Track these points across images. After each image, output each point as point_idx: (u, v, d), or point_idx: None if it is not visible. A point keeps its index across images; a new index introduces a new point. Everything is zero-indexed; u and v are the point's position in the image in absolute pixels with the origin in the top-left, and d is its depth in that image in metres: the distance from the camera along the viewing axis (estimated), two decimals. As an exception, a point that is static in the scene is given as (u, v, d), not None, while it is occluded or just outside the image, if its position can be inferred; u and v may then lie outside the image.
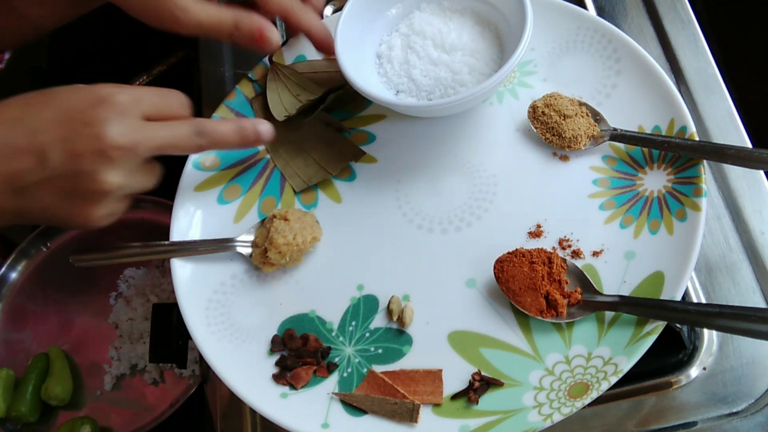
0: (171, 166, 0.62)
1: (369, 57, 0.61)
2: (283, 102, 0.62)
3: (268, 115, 0.63)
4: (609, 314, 0.49)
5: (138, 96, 0.48)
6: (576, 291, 0.49)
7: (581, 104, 0.56)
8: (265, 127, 0.54)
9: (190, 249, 0.56)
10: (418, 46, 0.58)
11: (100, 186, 0.46)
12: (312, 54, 0.64)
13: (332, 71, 0.63)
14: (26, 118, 0.45)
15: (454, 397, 0.48)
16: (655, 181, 0.53)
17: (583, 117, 0.55)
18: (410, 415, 0.48)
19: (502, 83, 0.56)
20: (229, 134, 0.52)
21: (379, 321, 0.53)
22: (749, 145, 0.58)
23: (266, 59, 0.65)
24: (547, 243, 0.53)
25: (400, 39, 0.60)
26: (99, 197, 0.47)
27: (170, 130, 0.49)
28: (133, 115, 0.47)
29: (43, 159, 0.44)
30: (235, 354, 0.52)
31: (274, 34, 0.55)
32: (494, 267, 0.51)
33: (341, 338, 0.53)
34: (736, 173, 0.58)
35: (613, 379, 0.45)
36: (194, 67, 0.72)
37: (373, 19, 0.61)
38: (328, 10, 0.73)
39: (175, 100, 0.51)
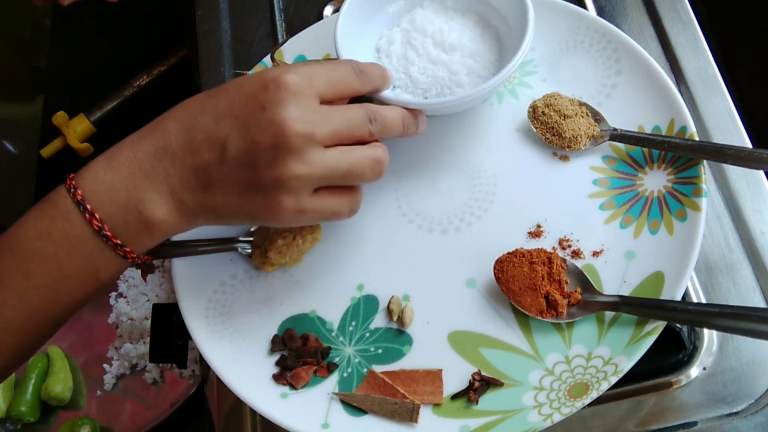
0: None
1: (368, 51, 0.61)
2: (283, 102, 0.62)
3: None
4: (609, 314, 0.49)
5: (309, 73, 0.44)
6: (576, 291, 0.49)
7: (581, 104, 0.56)
8: (423, 125, 0.53)
9: (190, 249, 0.56)
10: (417, 43, 0.58)
11: (279, 173, 0.42)
12: (312, 54, 0.64)
13: (332, 71, 0.63)
14: (207, 108, 0.44)
15: (454, 397, 0.48)
16: (655, 181, 0.53)
17: (583, 117, 0.55)
18: (410, 415, 0.48)
19: (502, 84, 0.56)
20: (397, 123, 0.49)
21: (379, 321, 0.53)
22: (749, 145, 0.58)
23: (266, 59, 0.65)
24: (547, 243, 0.53)
25: (400, 34, 0.60)
26: (280, 187, 0.43)
27: (344, 113, 0.45)
28: (308, 95, 0.43)
29: (224, 149, 0.42)
30: (235, 354, 0.52)
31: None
32: (494, 267, 0.51)
33: (341, 338, 0.53)
34: (736, 173, 0.58)
35: (613, 379, 0.45)
36: (194, 67, 0.72)
37: (373, 14, 0.61)
38: (328, 10, 0.73)
39: (344, 70, 0.47)
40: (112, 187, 0.43)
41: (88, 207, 0.42)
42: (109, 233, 0.42)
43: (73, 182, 0.43)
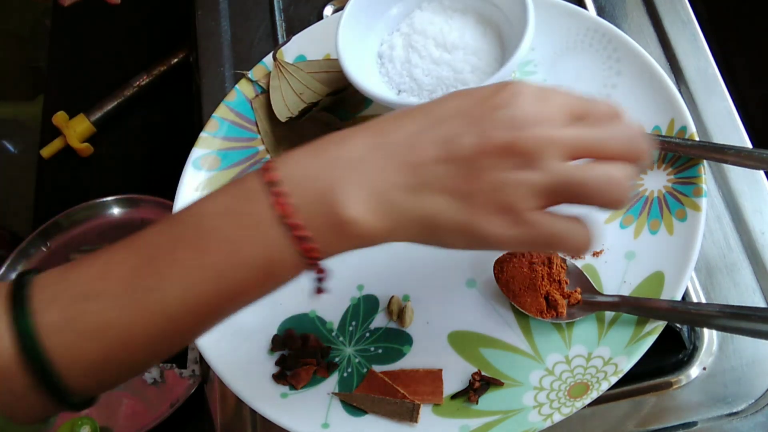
0: (171, 166, 0.62)
1: (370, 57, 0.61)
2: (286, 101, 0.62)
3: (268, 115, 0.63)
4: (609, 314, 0.49)
5: (543, 86, 0.38)
6: (576, 291, 0.49)
7: (581, 104, 0.56)
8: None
9: (190, 249, 0.56)
10: (419, 46, 0.58)
11: (503, 178, 0.35)
12: (312, 54, 0.64)
13: (333, 71, 0.63)
14: (433, 109, 0.38)
15: (454, 397, 0.48)
16: (655, 181, 0.53)
17: (583, 117, 0.55)
18: (410, 415, 0.48)
19: (502, 83, 0.56)
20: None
21: (379, 321, 0.53)
22: (749, 145, 0.58)
23: (266, 59, 0.65)
24: (547, 243, 0.53)
25: (401, 38, 0.60)
26: (501, 192, 0.35)
27: (602, 129, 0.37)
28: (554, 104, 0.37)
29: (452, 145, 0.36)
30: (235, 354, 0.52)
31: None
32: (494, 267, 0.51)
33: (341, 338, 0.53)
34: (736, 173, 0.58)
35: (613, 379, 0.45)
36: (194, 67, 0.72)
37: (374, 19, 0.61)
38: (328, 10, 0.73)
39: (603, 106, 0.39)
40: (310, 173, 0.37)
41: (277, 190, 0.36)
42: (290, 222, 0.36)
43: (271, 164, 0.37)
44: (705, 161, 0.51)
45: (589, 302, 0.49)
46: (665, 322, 0.46)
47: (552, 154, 0.35)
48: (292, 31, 0.68)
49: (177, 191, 0.59)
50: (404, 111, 0.39)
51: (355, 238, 0.37)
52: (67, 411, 0.39)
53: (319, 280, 0.40)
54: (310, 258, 0.37)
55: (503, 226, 0.36)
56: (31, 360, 0.35)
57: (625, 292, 0.49)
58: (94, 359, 0.37)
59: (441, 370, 0.50)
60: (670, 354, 0.52)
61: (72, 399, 0.37)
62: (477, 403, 0.47)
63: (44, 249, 0.81)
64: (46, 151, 0.84)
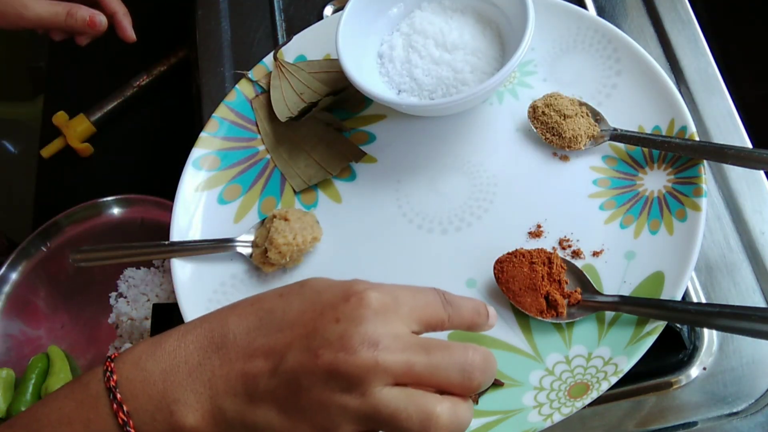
0: (171, 166, 0.62)
1: (370, 57, 0.61)
2: (286, 101, 0.62)
3: (268, 115, 0.63)
4: (609, 314, 0.49)
5: (395, 294, 0.38)
6: (576, 291, 0.49)
7: (581, 104, 0.56)
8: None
9: (190, 249, 0.56)
10: (419, 46, 0.58)
11: (326, 399, 0.35)
12: (312, 54, 0.64)
13: (333, 71, 0.63)
14: (276, 310, 0.38)
15: (454, 397, 0.48)
16: (655, 181, 0.53)
17: (583, 117, 0.55)
18: (410, 415, 0.48)
19: (503, 83, 0.56)
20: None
21: (379, 321, 0.53)
22: (749, 145, 0.58)
23: (266, 59, 0.65)
24: (547, 243, 0.53)
25: (401, 38, 0.60)
26: (323, 414, 0.35)
27: (439, 356, 0.36)
28: (392, 319, 0.36)
29: (281, 360, 0.36)
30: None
31: (102, 18, 0.71)
32: (494, 267, 0.51)
33: (341, 338, 0.53)
34: (736, 173, 0.58)
35: (613, 379, 0.45)
36: (194, 67, 0.72)
37: (374, 19, 0.61)
38: (329, 10, 0.73)
39: (432, 298, 0.39)
40: (150, 378, 0.38)
41: (118, 396, 0.37)
42: (132, 431, 0.37)
43: (112, 365, 0.39)
44: (705, 161, 0.51)
45: (589, 302, 0.49)
46: (665, 322, 0.46)
47: (374, 380, 0.35)
48: (292, 31, 0.68)
49: (177, 191, 0.59)
50: (255, 304, 0.39)
51: None
52: None
53: None
54: None
55: None
56: None
57: (625, 292, 0.49)
58: None
59: (441, 370, 0.49)
60: (670, 354, 0.52)
61: None
62: (477, 403, 0.47)
63: (44, 249, 0.80)
64: (46, 151, 0.84)
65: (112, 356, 0.39)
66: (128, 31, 0.74)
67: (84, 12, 0.70)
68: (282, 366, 0.36)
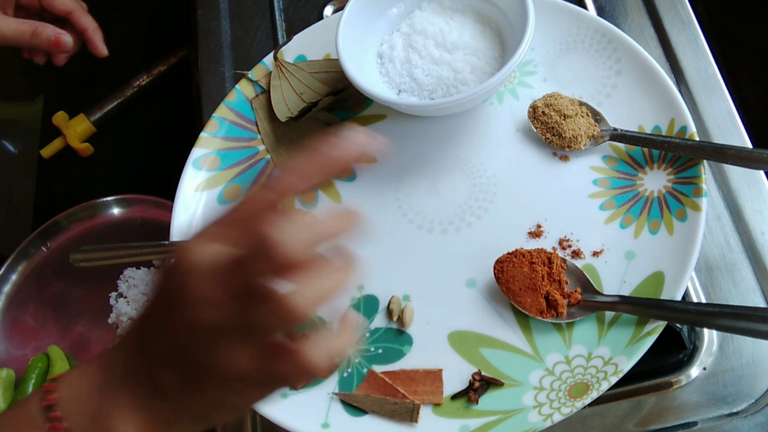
0: (171, 166, 0.62)
1: (370, 57, 0.61)
2: (286, 101, 0.62)
3: (268, 115, 0.63)
4: (609, 314, 0.49)
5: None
6: (576, 291, 0.49)
7: (581, 104, 0.56)
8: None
9: (190, 249, 0.56)
10: (419, 46, 0.58)
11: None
12: (312, 54, 0.64)
13: (333, 71, 0.63)
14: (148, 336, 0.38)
15: (454, 397, 0.48)
16: (655, 181, 0.53)
17: (583, 117, 0.55)
18: (410, 415, 0.48)
19: (503, 83, 0.56)
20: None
21: (379, 321, 0.53)
22: (749, 145, 0.58)
23: (266, 59, 0.65)
24: (547, 243, 0.53)
25: (401, 38, 0.60)
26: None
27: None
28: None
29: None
30: (235, 354, 0.52)
31: (68, 38, 0.69)
32: (494, 267, 0.51)
33: (341, 338, 0.53)
34: (736, 173, 0.58)
35: (614, 379, 0.45)
36: (194, 67, 0.72)
37: (374, 19, 0.61)
38: (329, 10, 0.73)
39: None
40: (83, 394, 0.38)
41: (51, 415, 0.37)
42: None
43: (53, 384, 0.39)
44: (705, 161, 0.51)
45: (589, 302, 0.49)
46: (665, 322, 0.46)
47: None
48: (292, 31, 0.68)
49: (177, 191, 0.59)
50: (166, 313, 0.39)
51: None
52: None
53: None
54: None
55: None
56: None
57: (625, 292, 0.49)
58: None
59: (441, 370, 0.50)
60: (670, 354, 0.52)
61: None
62: (477, 403, 0.47)
63: (44, 249, 0.80)
64: (46, 151, 0.84)
65: (55, 377, 0.39)
66: (99, 46, 0.73)
67: (50, 31, 0.68)
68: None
